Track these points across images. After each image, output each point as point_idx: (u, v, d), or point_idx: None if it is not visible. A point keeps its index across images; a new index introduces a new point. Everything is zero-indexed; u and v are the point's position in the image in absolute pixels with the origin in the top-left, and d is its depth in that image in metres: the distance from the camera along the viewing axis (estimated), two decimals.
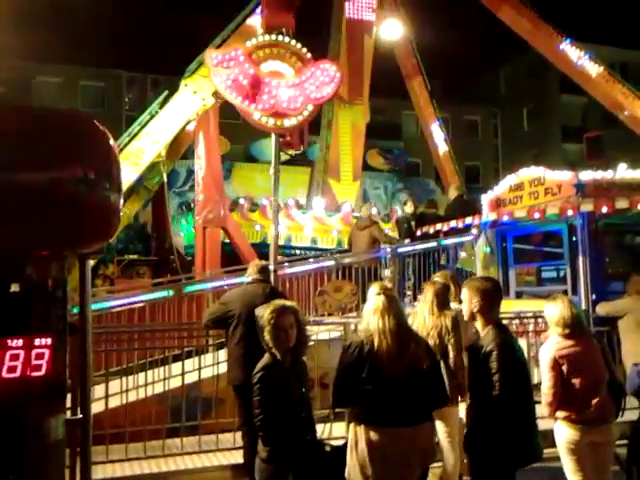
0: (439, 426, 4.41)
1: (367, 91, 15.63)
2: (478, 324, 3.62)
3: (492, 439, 3.34)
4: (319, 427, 3.96)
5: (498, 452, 3.33)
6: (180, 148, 15.06)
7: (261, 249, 12.95)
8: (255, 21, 12.51)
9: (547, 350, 4.01)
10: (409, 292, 10.53)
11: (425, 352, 3.51)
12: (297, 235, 15.23)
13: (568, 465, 3.96)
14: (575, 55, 16.00)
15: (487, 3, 16.42)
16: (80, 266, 2.72)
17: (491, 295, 3.58)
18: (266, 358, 3.75)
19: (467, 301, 3.65)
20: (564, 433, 3.93)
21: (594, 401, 3.96)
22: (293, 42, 7.78)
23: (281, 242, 14.26)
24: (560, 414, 3.95)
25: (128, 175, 11.84)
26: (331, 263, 10.34)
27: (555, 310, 4.06)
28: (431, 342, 4.29)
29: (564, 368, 3.91)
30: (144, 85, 32.03)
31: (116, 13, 29.41)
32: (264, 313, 3.82)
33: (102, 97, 31.65)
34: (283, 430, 3.63)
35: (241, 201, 15.35)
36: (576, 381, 3.87)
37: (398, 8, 17.79)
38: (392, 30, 16.23)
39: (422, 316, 4.70)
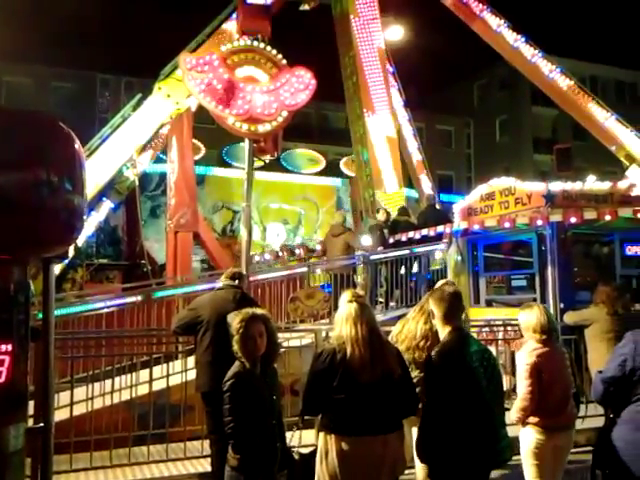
0: (415, 433, 4.41)
1: (390, 99, 15.73)
2: (440, 331, 3.65)
3: (437, 444, 3.37)
4: (288, 434, 3.92)
5: (443, 457, 3.35)
6: (153, 152, 14.91)
7: None
8: (231, 26, 12.51)
9: (525, 357, 4.07)
10: (381, 299, 10.56)
11: (396, 360, 3.50)
12: None
13: (530, 470, 4.03)
14: (547, 68, 16.32)
15: (462, 16, 16.65)
16: (44, 270, 2.65)
17: (450, 302, 3.61)
18: (236, 366, 3.71)
19: (434, 310, 3.68)
20: (532, 438, 4.00)
21: (565, 408, 4.08)
22: (268, 48, 7.79)
23: None
24: (532, 419, 4.02)
25: (99, 178, 11.69)
26: (304, 269, 10.33)
27: (532, 317, 4.15)
28: (420, 354, 4.27)
29: (543, 375, 3.99)
30: (117, 87, 31.67)
31: (90, 14, 29.09)
32: (233, 321, 3.79)
33: (74, 99, 31.19)
34: (254, 438, 3.59)
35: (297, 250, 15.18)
36: (552, 388, 3.95)
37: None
38: (394, 34, 16.59)
39: (414, 324, 4.62)
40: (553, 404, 3.99)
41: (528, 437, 4.03)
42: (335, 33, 16.72)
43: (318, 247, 12.98)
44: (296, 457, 3.87)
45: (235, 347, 3.69)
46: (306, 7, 16.07)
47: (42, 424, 2.72)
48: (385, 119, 15.38)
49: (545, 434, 3.99)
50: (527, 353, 4.09)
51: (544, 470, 4.02)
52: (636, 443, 3.27)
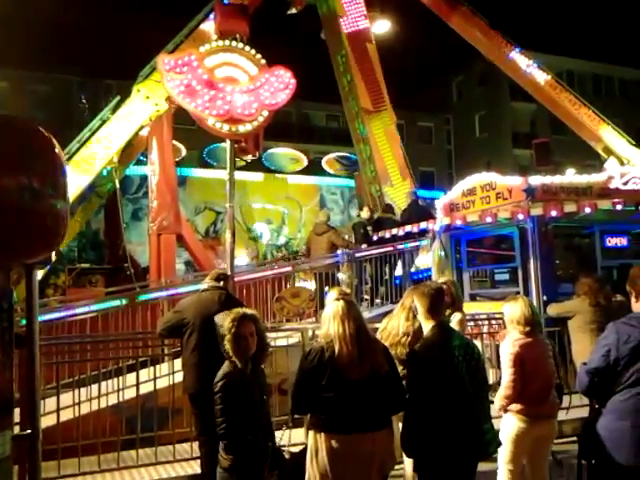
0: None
1: (386, 94, 15.78)
2: (424, 327, 3.69)
3: (421, 438, 3.42)
4: (277, 433, 3.93)
5: (427, 449, 3.40)
6: (133, 154, 14.79)
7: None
8: (209, 27, 12.45)
9: (509, 347, 4.19)
10: (366, 296, 10.61)
11: (384, 357, 3.52)
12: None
13: (506, 455, 4.13)
14: (524, 63, 16.47)
15: (439, 12, 16.74)
16: (27, 276, 2.62)
17: (433, 298, 3.66)
18: (226, 366, 3.71)
19: (418, 306, 3.73)
20: (513, 425, 4.12)
21: (547, 397, 4.20)
22: (247, 48, 7.77)
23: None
24: (514, 407, 4.13)
25: (79, 182, 11.58)
26: (288, 269, 10.34)
27: (516, 309, 4.27)
28: (402, 350, 4.32)
29: (525, 364, 4.10)
30: (96, 90, 31.35)
31: (66, 16, 28.74)
32: (224, 321, 3.79)
33: (51, 102, 30.82)
34: (245, 438, 3.60)
35: None
36: (534, 377, 4.05)
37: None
38: (381, 27, 16.73)
39: (397, 321, 4.70)
40: (535, 393, 4.10)
41: (510, 424, 4.15)
42: (316, 32, 16.74)
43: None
44: (286, 456, 3.88)
45: (227, 347, 3.69)
46: (293, 11, 16.08)
47: (29, 431, 2.69)
48: (383, 115, 15.47)
49: (527, 422, 4.10)
50: (510, 343, 4.21)
51: (519, 457, 4.16)
52: (620, 432, 3.33)
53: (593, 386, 3.49)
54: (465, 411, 3.42)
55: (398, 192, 14.66)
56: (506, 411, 4.18)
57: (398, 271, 11.00)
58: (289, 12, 16.07)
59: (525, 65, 16.44)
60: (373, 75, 15.61)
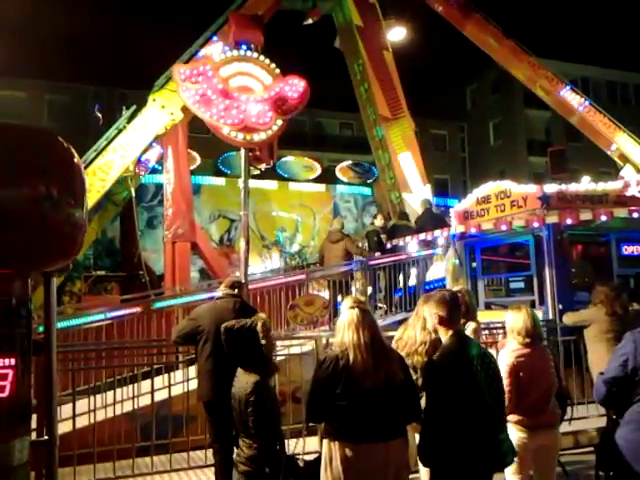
0: (417, 439, 4.41)
1: (404, 101, 15.84)
2: (441, 335, 3.65)
3: (440, 447, 3.38)
4: (292, 441, 3.93)
5: (446, 460, 3.36)
6: (148, 163, 14.91)
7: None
8: (223, 37, 12.56)
9: (506, 357, 4.19)
10: (381, 304, 10.58)
11: (399, 366, 3.50)
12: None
13: (512, 465, 4.06)
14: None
15: (453, 20, 16.75)
16: (45, 284, 2.66)
17: (451, 305, 3.63)
18: (253, 376, 3.69)
19: (431, 314, 3.67)
20: (514, 436, 4.07)
21: (546, 407, 4.18)
22: (261, 57, 7.84)
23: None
24: (513, 418, 4.11)
25: (95, 190, 11.70)
26: (302, 277, 10.34)
27: (519, 319, 4.25)
28: (419, 359, 4.28)
29: (521, 375, 4.09)
30: (111, 99, 31.70)
31: (83, 27, 29.15)
32: (257, 325, 3.80)
33: (68, 111, 31.21)
34: (275, 447, 3.65)
35: None
36: (531, 388, 4.02)
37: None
38: (397, 34, 16.71)
39: (413, 330, 4.66)
40: (533, 404, 4.08)
41: (511, 435, 4.10)
42: (329, 40, 16.81)
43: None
44: (300, 464, 3.88)
45: (264, 351, 3.75)
46: (309, 21, 16.18)
47: (46, 437, 2.72)
48: (402, 121, 15.51)
49: (527, 432, 4.09)
50: (507, 353, 4.22)
51: (524, 468, 4.13)
52: (639, 443, 3.29)
53: (610, 396, 3.45)
54: (483, 421, 3.39)
55: (418, 197, 14.64)
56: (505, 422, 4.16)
57: (412, 280, 10.96)
58: (305, 23, 16.18)
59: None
60: (390, 82, 15.65)
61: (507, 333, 4.37)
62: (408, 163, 15.25)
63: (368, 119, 16.22)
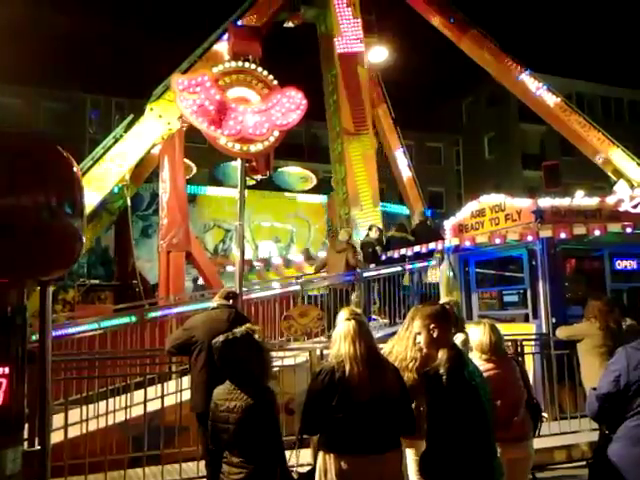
0: (409, 454, 4.38)
1: (370, 119, 15.85)
2: (434, 350, 3.60)
3: (443, 462, 3.34)
4: (286, 453, 3.90)
5: (448, 475, 3.33)
6: (144, 172, 14.93)
7: None
8: (222, 47, 12.63)
9: None
10: (375, 316, 10.58)
11: (395, 378, 3.50)
12: None
13: None
14: (533, 86, 16.55)
15: (449, 34, 16.90)
16: (41, 293, 2.66)
17: (442, 318, 3.60)
18: (257, 391, 3.52)
19: (422, 328, 3.58)
20: None
21: (514, 420, 4.13)
22: (259, 69, 7.88)
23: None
24: None
25: (91, 199, 11.69)
26: (297, 287, 10.34)
27: (476, 335, 4.29)
28: (410, 375, 4.21)
29: None
30: (108, 108, 31.73)
31: (81, 35, 29.23)
32: (258, 337, 3.73)
33: (65, 119, 31.21)
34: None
35: (256, 264, 15.27)
36: (497, 402, 3.96)
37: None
38: (378, 55, 16.75)
39: (402, 346, 4.54)
40: (500, 417, 3.99)
41: None
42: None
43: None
44: (295, 477, 3.85)
45: (267, 363, 3.66)
46: (290, 24, 16.30)
47: (39, 447, 2.71)
48: (363, 138, 15.45)
49: (498, 447, 4.01)
50: None
51: None
52: (632, 458, 3.29)
53: (603, 412, 3.46)
54: (485, 437, 3.38)
55: (367, 217, 14.62)
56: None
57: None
58: (285, 25, 16.28)
59: (535, 87, 16.52)
60: (359, 98, 15.56)
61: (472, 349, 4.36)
62: (362, 181, 15.20)
63: (332, 131, 16.19)
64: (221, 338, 3.67)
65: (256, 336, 3.65)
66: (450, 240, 9.85)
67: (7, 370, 2.49)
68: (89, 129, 30.90)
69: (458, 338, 4.88)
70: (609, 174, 16.48)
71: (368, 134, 15.58)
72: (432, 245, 10.32)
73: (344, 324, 3.49)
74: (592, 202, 9.19)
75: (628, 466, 3.28)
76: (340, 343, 3.44)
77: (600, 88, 36.26)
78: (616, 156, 16.10)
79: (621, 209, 9.01)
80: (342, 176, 15.42)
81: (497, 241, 8.96)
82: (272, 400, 3.55)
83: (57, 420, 5.68)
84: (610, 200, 9.32)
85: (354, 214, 14.68)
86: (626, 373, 3.30)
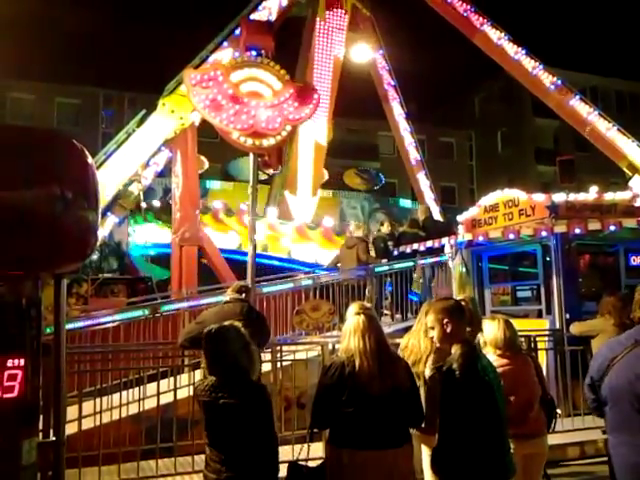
0: (423, 449, 4.38)
1: (332, 109, 15.74)
2: (447, 345, 3.59)
3: (456, 457, 3.33)
4: (297, 447, 3.91)
5: (461, 470, 3.32)
6: (157, 167, 14.96)
7: (236, 257, 13.29)
8: (234, 42, 12.62)
9: None
10: (386, 311, 10.57)
11: (405, 372, 3.49)
12: (274, 245, 15.39)
13: None
14: (547, 80, 16.39)
15: (463, 29, 16.77)
16: (55, 286, 2.68)
17: (456, 313, 3.59)
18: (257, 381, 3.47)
19: (435, 323, 3.58)
20: None
21: (528, 416, 4.11)
22: (272, 63, 7.87)
23: (232, 247, 14.36)
24: None
25: (104, 193, 11.75)
26: (309, 282, 10.34)
27: (491, 331, 4.26)
28: (423, 368, 4.21)
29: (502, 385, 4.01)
30: (121, 103, 31.89)
31: (93, 31, 29.37)
32: (244, 334, 3.60)
33: (78, 115, 31.40)
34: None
35: (216, 205, 15.41)
36: (512, 398, 3.95)
37: (375, 31, 18.10)
38: (362, 54, 16.55)
39: (417, 339, 4.54)
40: (514, 413, 3.97)
41: None
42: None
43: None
44: (304, 471, 3.85)
45: (255, 358, 3.43)
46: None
47: (54, 438, 2.73)
48: (319, 125, 15.30)
49: (512, 443, 3.98)
50: None
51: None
52: (616, 449, 3.18)
53: (592, 403, 3.40)
54: (499, 433, 3.37)
55: (300, 204, 14.58)
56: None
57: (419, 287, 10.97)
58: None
59: (549, 82, 16.37)
60: (326, 85, 15.42)
61: (486, 344, 4.34)
62: (305, 167, 15.08)
63: None
64: (205, 332, 3.49)
65: (242, 330, 3.44)
66: (463, 235, 9.80)
67: (22, 362, 2.51)
68: (101, 125, 31.08)
69: (480, 338, 4.81)
70: (624, 169, 16.30)
71: (326, 121, 15.40)
72: (444, 240, 10.28)
73: (354, 318, 3.49)
74: (607, 197, 9.11)
75: (615, 458, 3.19)
76: (350, 337, 3.44)
77: (614, 82, 35.90)
78: (631, 151, 15.91)
79: (636, 204, 8.92)
80: (288, 157, 15.31)
81: (511, 236, 8.91)
82: (265, 399, 3.28)
83: (71, 412, 5.71)
84: (625, 195, 9.23)
85: (287, 196, 14.60)
86: (601, 363, 3.21)
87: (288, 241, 15.51)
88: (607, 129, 16.05)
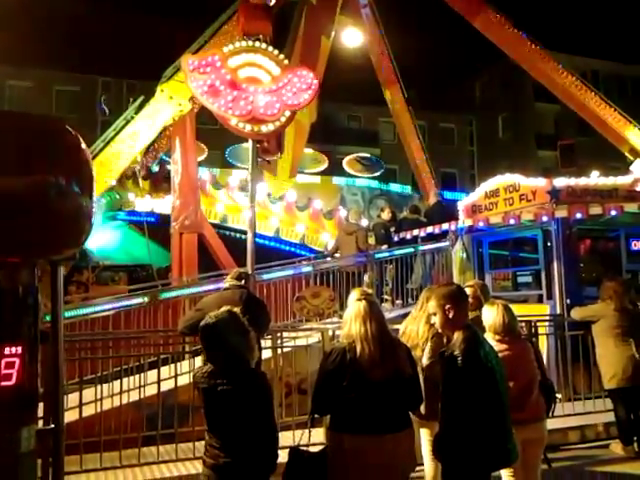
0: (423, 434, 4.39)
1: (318, 87, 15.59)
2: (449, 331, 3.58)
3: (458, 443, 3.33)
4: (297, 433, 3.91)
5: (463, 456, 3.33)
6: (156, 153, 14.92)
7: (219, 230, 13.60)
8: (232, 28, 12.50)
9: None
10: (387, 297, 10.57)
11: (406, 358, 3.49)
12: (234, 217, 15.39)
13: None
14: (548, 64, 16.24)
15: (463, 12, 16.59)
16: (52, 272, 2.66)
17: (458, 299, 3.57)
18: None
19: (437, 309, 3.56)
20: None
21: (528, 401, 4.13)
22: (270, 48, 7.80)
23: (215, 221, 14.48)
24: None
25: (103, 181, 11.71)
26: (309, 269, 10.33)
27: (490, 316, 4.26)
28: (420, 354, 4.24)
29: None
30: (119, 90, 31.72)
31: (91, 17, 29.15)
32: (243, 321, 3.59)
33: (76, 102, 31.26)
34: None
35: (204, 176, 15.37)
36: (511, 383, 3.94)
37: (375, 16, 17.93)
38: (352, 38, 16.35)
39: (416, 325, 4.57)
40: (513, 398, 3.97)
41: None
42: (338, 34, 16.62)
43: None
44: (306, 456, 3.86)
45: (253, 343, 3.39)
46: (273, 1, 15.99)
47: (53, 425, 2.73)
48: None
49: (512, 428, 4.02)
50: None
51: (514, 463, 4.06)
52: None
53: None
54: (500, 418, 3.37)
55: (279, 184, 14.47)
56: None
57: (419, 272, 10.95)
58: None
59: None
60: (313, 66, 15.35)
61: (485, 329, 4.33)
62: (287, 149, 14.96)
63: None
64: (202, 322, 3.45)
65: (240, 317, 3.41)
66: (463, 221, 9.77)
67: (19, 349, 2.50)
68: (102, 111, 30.93)
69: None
70: (625, 154, 16.21)
71: (309, 104, 15.29)
72: (445, 226, 10.26)
73: (355, 304, 3.49)
74: (608, 182, 9.06)
75: None
76: (351, 323, 3.43)
77: (615, 66, 35.66)
78: (632, 135, 15.82)
79: (638, 189, 8.88)
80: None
81: (511, 222, 8.88)
82: (264, 386, 3.28)
83: (72, 399, 5.75)
84: (626, 180, 9.19)
85: (265, 177, 14.51)
86: None
87: (277, 220, 15.54)
88: (608, 113, 15.95)
